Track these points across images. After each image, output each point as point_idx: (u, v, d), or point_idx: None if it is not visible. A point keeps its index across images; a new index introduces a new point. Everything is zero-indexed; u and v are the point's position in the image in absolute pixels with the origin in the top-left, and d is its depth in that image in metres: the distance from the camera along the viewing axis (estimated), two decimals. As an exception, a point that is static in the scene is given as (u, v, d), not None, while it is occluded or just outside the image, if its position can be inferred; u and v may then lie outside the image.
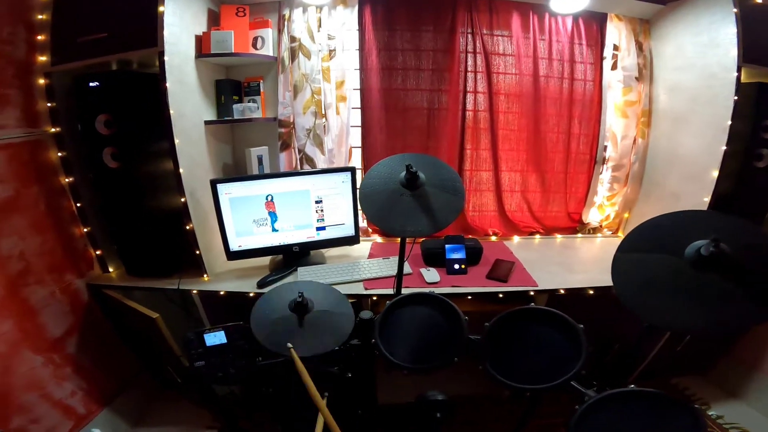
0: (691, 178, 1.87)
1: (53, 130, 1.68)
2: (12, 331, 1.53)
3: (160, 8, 1.49)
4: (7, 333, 1.51)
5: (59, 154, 1.71)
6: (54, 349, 1.70)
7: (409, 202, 1.29)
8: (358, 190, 1.91)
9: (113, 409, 1.93)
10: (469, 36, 2.05)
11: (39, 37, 1.63)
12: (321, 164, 2.09)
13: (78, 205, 1.77)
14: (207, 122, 1.86)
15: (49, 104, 1.66)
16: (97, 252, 1.86)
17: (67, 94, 1.68)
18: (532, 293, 1.71)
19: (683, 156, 1.94)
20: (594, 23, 2.10)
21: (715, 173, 1.71)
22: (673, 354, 1.98)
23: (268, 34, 1.94)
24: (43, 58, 1.63)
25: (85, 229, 1.81)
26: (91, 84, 1.58)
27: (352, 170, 1.90)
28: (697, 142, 1.85)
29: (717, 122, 1.72)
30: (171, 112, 1.55)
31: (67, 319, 1.77)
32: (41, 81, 1.64)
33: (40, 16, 1.62)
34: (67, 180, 1.74)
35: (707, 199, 1.75)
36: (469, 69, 2.09)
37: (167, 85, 1.53)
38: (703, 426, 0.84)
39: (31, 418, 1.57)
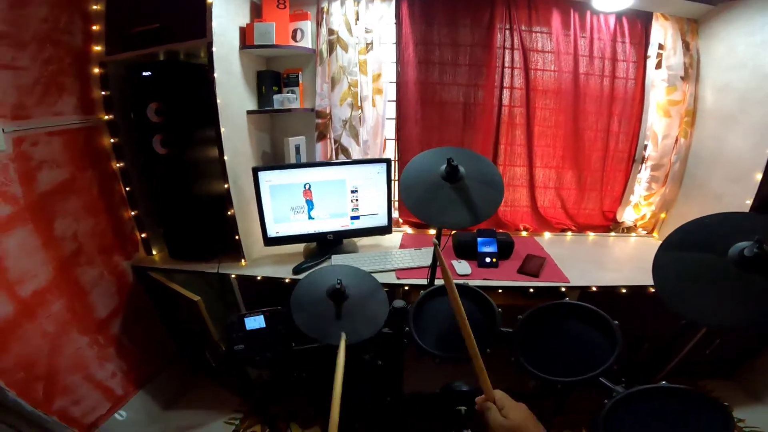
0: (734, 180, 1.82)
1: (107, 117, 1.76)
2: (62, 311, 1.61)
3: (209, 0, 1.52)
4: (57, 313, 1.59)
5: (112, 140, 1.79)
6: (99, 330, 1.78)
7: (449, 194, 1.30)
8: (394, 181, 1.94)
9: (147, 392, 2.01)
10: (507, 32, 2.03)
11: (94, 27, 1.69)
12: (356, 155, 2.12)
13: (127, 189, 1.86)
14: (249, 112, 1.91)
15: (103, 92, 1.73)
16: (143, 235, 1.94)
17: (121, 82, 1.75)
18: (563, 289, 1.70)
19: (727, 157, 1.89)
20: (638, 22, 2.04)
21: (759, 175, 1.66)
22: (702, 356, 1.94)
23: (307, 26, 1.96)
24: (98, 48, 1.70)
25: (133, 213, 1.90)
26: (144, 73, 1.64)
27: (388, 162, 1.92)
28: (744, 142, 1.80)
29: (765, 123, 1.67)
30: (218, 101, 1.59)
31: (113, 300, 1.85)
32: (96, 70, 1.71)
33: (95, 7, 1.69)
34: (118, 165, 1.82)
35: (749, 202, 1.70)
36: (506, 65, 2.07)
37: (215, 75, 1.57)
38: (733, 425, 0.84)
39: (73, 399, 1.64)
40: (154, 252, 1.98)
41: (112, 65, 1.72)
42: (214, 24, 1.54)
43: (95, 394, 1.74)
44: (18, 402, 1.33)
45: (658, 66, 2.06)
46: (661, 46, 2.03)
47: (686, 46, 2.01)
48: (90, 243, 1.74)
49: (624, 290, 1.69)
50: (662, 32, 2.02)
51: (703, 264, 0.96)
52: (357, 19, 1.99)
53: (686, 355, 1.94)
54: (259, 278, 1.78)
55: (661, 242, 1.05)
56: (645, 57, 2.08)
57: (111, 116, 1.76)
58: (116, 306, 1.87)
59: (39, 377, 1.51)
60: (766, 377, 2.05)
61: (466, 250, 1.91)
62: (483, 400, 0.82)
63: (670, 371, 2.01)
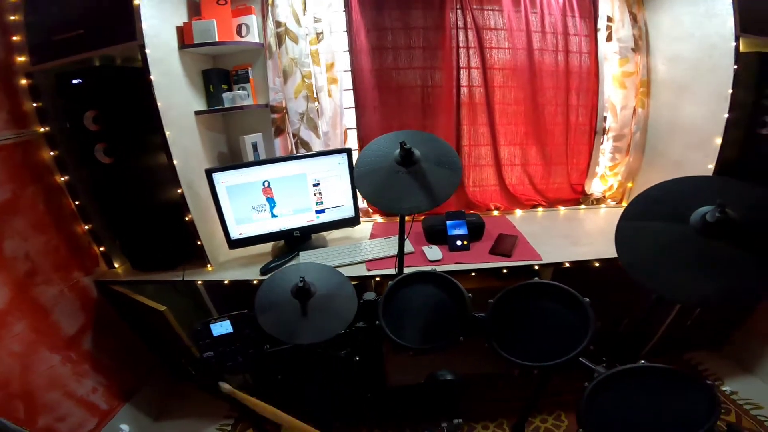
0: (695, 146, 1.85)
1: (42, 129, 1.68)
2: (26, 331, 1.55)
3: (136, 1, 1.46)
4: (21, 333, 1.53)
5: (51, 153, 1.70)
6: (70, 347, 1.73)
7: (405, 179, 1.27)
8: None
9: (134, 404, 1.97)
10: (459, 12, 2.02)
11: (14, 38, 1.60)
12: (317, 147, 2.08)
13: (77, 202, 1.78)
14: (197, 112, 1.85)
15: (35, 104, 1.65)
16: (101, 248, 1.87)
17: (52, 92, 1.67)
18: (536, 267, 1.70)
19: (685, 124, 1.92)
20: None
21: (719, 140, 1.69)
22: (684, 328, 1.96)
23: (252, 20, 1.91)
24: (22, 59, 1.62)
25: (87, 227, 1.82)
26: (73, 81, 1.56)
27: (348, 151, 1.89)
28: (700, 110, 1.83)
29: (719, 91, 1.69)
30: (159, 104, 1.53)
31: (79, 316, 1.79)
32: (23, 81, 1.63)
33: (12, 17, 1.60)
34: (63, 178, 1.74)
35: (711, 167, 1.73)
36: (461, 45, 2.06)
37: (152, 77, 1.51)
38: (717, 402, 0.82)
39: (56, 416, 1.60)
40: (116, 265, 1.91)
41: (41, 75, 1.64)
42: (144, 26, 1.49)
43: (78, 410, 1.71)
44: (2, 421, 1.28)
45: (609, 39, 2.09)
46: (609, 19, 2.06)
47: (634, 18, 2.04)
48: (44, 261, 1.66)
49: (597, 264, 1.68)
50: (609, 5, 2.04)
51: (665, 233, 0.94)
52: (305, 9, 1.94)
53: (668, 328, 1.96)
54: (226, 282, 1.74)
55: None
56: (596, 30, 2.10)
57: (47, 128, 1.68)
58: (84, 322, 1.81)
59: (15, 395, 1.48)
60: (755, 347, 2.06)
61: (436, 234, 1.89)
62: None
63: (654, 345, 2.03)
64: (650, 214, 0.99)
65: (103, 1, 1.53)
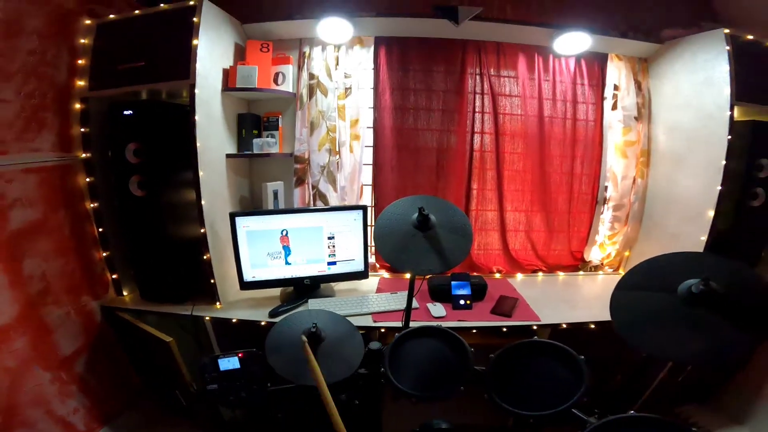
0: (689, 219, 1.90)
1: (84, 155, 1.74)
2: (25, 348, 1.56)
3: (194, 41, 1.54)
4: (20, 349, 1.54)
5: (87, 179, 1.76)
6: (62, 367, 1.73)
7: (421, 242, 1.36)
8: (370, 228, 1.98)
9: (112, 428, 1.93)
10: (478, 77, 2.15)
11: (80, 62, 1.68)
12: (333, 201, 2.14)
13: (100, 229, 1.83)
14: (228, 155, 1.92)
15: (82, 129, 1.71)
16: (114, 276, 1.90)
17: (101, 120, 1.72)
18: (535, 327, 1.75)
19: (681, 196, 1.98)
20: (596, 63, 2.20)
21: (711, 213, 1.76)
22: (676, 383, 1.99)
23: (289, 70, 2.02)
24: (81, 83, 1.68)
25: (105, 254, 1.86)
26: (125, 112, 1.62)
27: (364, 209, 1.96)
28: (694, 182, 1.89)
29: (713, 162, 1.76)
30: (198, 144, 1.59)
31: (79, 338, 1.80)
32: (77, 106, 1.69)
33: (83, 41, 1.68)
34: (92, 205, 1.80)
35: (704, 239, 1.79)
36: (477, 109, 2.18)
37: (196, 117, 1.57)
38: None
39: None
40: (125, 293, 1.94)
41: (94, 101, 1.70)
42: (198, 66, 1.56)
43: (55, 428, 1.68)
44: None
45: (614, 107, 2.19)
46: (616, 87, 2.17)
47: (638, 86, 2.15)
48: (58, 283, 1.70)
49: (593, 326, 1.74)
50: (617, 73, 2.16)
51: (655, 301, 1.05)
52: (337, 64, 2.06)
53: (659, 383, 1.97)
54: (234, 321, 1.76)
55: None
56: (602, 98, 2.22)
57: (88, 154, 1.73)
58: (81, 344, 1.81)
59: None
60: (743, 400, 2.08)
61: (440, 293, 1.95)
62: None
63: (645, 400, 2.03)
64: (642, 285, 1.10)
65: (166, 37, 1.60)
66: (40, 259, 1.62)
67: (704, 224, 1.80)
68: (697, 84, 1.87)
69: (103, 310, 1.89)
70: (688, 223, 1.93)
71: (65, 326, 1.74)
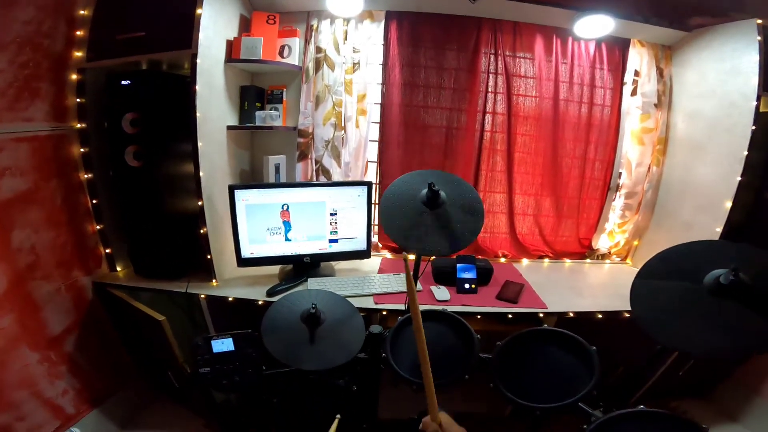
0: (704, 208, 1.88)
1: (79, 125, 1.70)
2: (12, 326, 1.52)
3: (198, 11, 1.50)
4: (6, 328, 1.50)
5: (81, 150, 1.72)
6: (51, 347, 1.69)
7: (429, 220, 1.29)
8: (374, 205, 1.92)
9: (102, 411, 1.91)
10: (492, 57, 2.08)
11: (78, 33, 1.64)
12: (337, 177, 2.09)
13: (94, 201, 1.78)
14: (229, 127, 1.87)
15: (78, 100, 1.68)
16: (107, 250, 1.85)
17: (98, 90, 1.70)
18: (541, 315, 1.72)
19: (697, 185, 1.95)
20: (617, 48, 2.12)
21: (729, 204, 1.72)
22: (675, 377, 1.98)
23: (295, 43, 1.96)
24: (78, 54, 1.65)
25: (98, 227, 1.81)
26: (123, 82, 1.59)
27: (369, 185, 1.91)
28: (713, 171, 1.86)
29: (734, 152, 1.73)
30: (197, 114, 1.55)
31: (69, 316, 1.76)
32: (74, 76, 1.66)
33: (82, 12, 1.64)
34: (85, 176, 1.75)
35: (719, 230, 1.76)
36: (489, 89, 2.11)
37: (197, 87, 1.53)
38: None
39: (17, 415, 1.55)
40: (118, 268, 1.89)
41: (91, 72, 1.68)
42: (200, 35, 1.52)
43: (43, 411, 1.65)
44: None
45: (634, 93, 2.13)
46: (636, 73, 2.10)
47: (660, 73, 2.09)
48: (48, 256, 1.64)
49: (600, 315, 1.71)
50: (638, 58, 2.09)
51: (679, 292, 1.00)
52: (345, 38, 1.99)
53: (659, 377, 1.97)
54: (230, 299, 1.72)
55: (635, 269, 1.08)
56: (621, 83, 2.15)
57: (83, 125, 1.70)
58: (71, 322, 1.77)
59: None
60: (739, 396, 2.09)
61: (445, 276, 1.90)
62: (428, 422, 0.87)
63: (643, 393, 2.03)
64: (664, 274, 1.05)
65: (168, 6, 1.57)
66: (30, 231, 1.57)
67: (720, 214, 1.76)
68: (723, 73, 1.83)
69: (95, 285, 1.84)
70: (702, 212, 1.89)
71: (55, 303, 1.69)
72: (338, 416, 1.09)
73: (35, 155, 1.57)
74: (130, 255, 1.86)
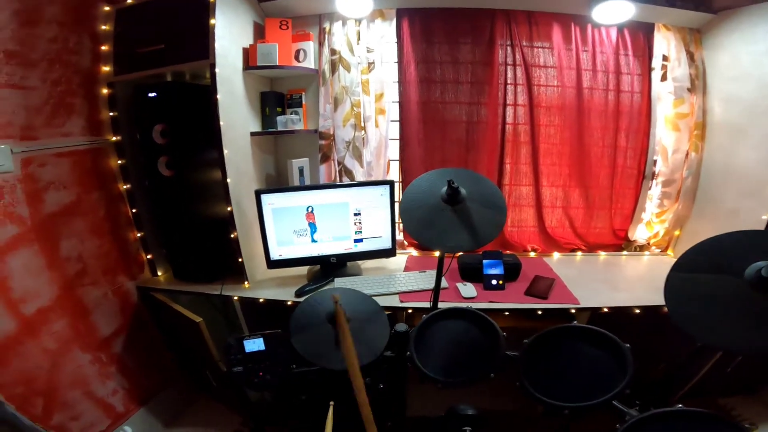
0: (749, 193, 1.78)
1: (114, 138, 1.78)
2: (65, 330, 1.62)
3: (212, 21, 1.54)
4: (60, 331, 1.60)
5: (119, 161, 1.81)
6: (102, 348, 1.78)
7: (449, 217, 1.28)
8: (396, 204, 1.93)
9: (149, 409, 2.00)
10: (509, 48, 2.03)
11: (103, 48, 1.72)
12: (359, 177, 2.11)
13: (134, 210, 1.87)
14: (253, 133, 1.92)
15: (111, 113, 1.76)
16: (148, 256, 1.95)
17: (128, 103, 1.77)
18: (573, 311, 1.65)
19: (741, 170, 1.85)
20: (640, 33, 2.03)
21: None
22: (723, 374, 1.87)
23: (310, 46, 1.98)
24: (106, 68, 1.73)
25: (139, 234, 1.91)
26: (150, 94, 1.66)
27: (391, 184, 1.91)
28: (756, 155, 1.76)
29: None
30: (221, 123, 1.60)
31: (117, 319, 1.86)
32: (104, 90, 1.74)
33: (104, 27, 1.71)
34: (124, 186, 1.84)
35: (766, 217, 1.66)
36: (509, 81, 2.06)
37: (218, 96, 1.58)
38: None
39: (72, 415, 1.63)
40: (159, 273, 1.99)
41: (120, 86, 1.75)
42: (216, 45, 1.56)
43: (95, 410, 1.74)
44: (16, 416, 1.33)
45: (664, 78, 2.03)
46: (665, 58, 2.01)
47: (690, 57, 1.99)
48: (95, 264, 1.75)
49: (637, 311, 1.63)
50: (665, 43, 2.00)
51: (717, 285, 0.95)
52: (358, 39, 2.00)
53: (706, 373, 1.86)
54: (261, 301, 1.77)
55: (675, 261, 1.03)
56: (649, 69, 2.06)
57: (118, 137, 1.78)
58: (120, 325, 1.87)
59: (39, 392, 1.51)
60: None
61: (471, 272, 1.87)
62: None
63: (688, 391, 1.93)
64: (702, 266, 1.00)
65: (183, 18, 1.61)
66: (77, 240, 1.68)
67: (766, 200, 1.68)
68: (758, 54, 1.74)
69: (138, 290, 1.94)
70: (748, 197, 1.79)
71: (103, 307, 1.79)
72: (332, 403, 1.10)
73: (76, 169, 1.66)
74: (169, 260, 1.96)
